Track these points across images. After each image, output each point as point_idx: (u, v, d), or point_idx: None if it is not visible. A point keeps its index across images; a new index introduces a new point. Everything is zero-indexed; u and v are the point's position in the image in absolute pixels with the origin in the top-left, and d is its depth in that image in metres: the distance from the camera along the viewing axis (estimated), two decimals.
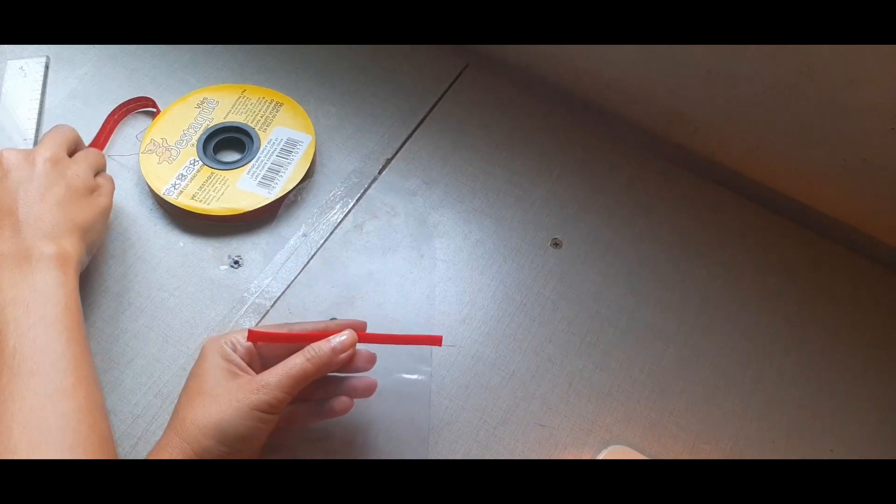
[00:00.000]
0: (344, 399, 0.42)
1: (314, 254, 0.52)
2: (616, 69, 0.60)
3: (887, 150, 0.51)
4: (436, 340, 0.42)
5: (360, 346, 0.41)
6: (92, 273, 0.50)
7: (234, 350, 0.39)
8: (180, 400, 0.38)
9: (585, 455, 0.46)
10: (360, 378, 0.43)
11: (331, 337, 0.39)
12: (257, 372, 0.39)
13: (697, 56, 0.54)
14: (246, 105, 0.57)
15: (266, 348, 0.40)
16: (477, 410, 0.47)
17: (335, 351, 0.39)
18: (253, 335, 0.39)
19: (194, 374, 0.39)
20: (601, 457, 0.45)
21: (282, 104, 0.58)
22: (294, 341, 0.40)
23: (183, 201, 0.52)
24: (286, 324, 0.42)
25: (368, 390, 0.43)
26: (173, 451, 0.36)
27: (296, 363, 0.38)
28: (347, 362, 0.40)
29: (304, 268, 0.52)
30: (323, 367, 0.38)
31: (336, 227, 0.54)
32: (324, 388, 0.42)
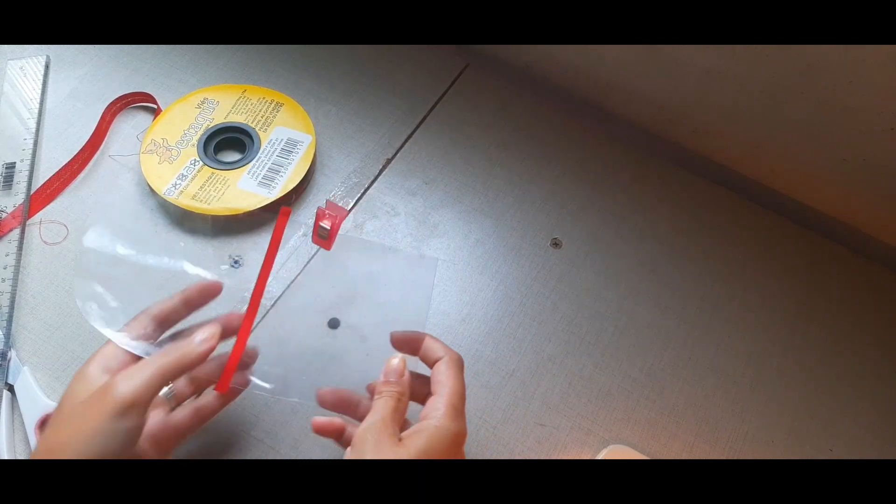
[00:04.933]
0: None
1: (314, 254, 0.53)
2: (616, 69, 0.60)
3: (887, 150, 0.51)
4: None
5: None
6: None
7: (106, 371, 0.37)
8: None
9: (585, 454, 0.46)
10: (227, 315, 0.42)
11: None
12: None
13: (697, 56, 0.54)
14: (246, 105, 0.57)
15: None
16: (477, 410, 0.47)
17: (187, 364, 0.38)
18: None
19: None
20: (601, 456, 0.45)
21: (282, 104, 0.58)
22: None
23: (183, 201, 0.52)
24: (146, 309, 0.41)
25: (214, 292, 0.43)
26: None
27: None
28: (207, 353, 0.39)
29: (304, 268, 0.52)
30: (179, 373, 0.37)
31: None
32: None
